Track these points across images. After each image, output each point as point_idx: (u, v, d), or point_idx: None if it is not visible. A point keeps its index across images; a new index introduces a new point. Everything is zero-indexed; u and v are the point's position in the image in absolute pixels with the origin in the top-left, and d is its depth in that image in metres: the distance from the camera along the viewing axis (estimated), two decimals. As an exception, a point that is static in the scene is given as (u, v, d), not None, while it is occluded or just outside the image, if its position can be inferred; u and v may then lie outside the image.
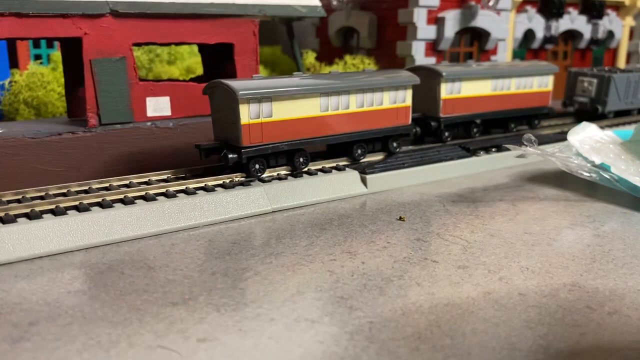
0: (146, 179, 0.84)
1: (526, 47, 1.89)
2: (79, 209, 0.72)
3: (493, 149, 1.13)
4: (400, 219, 0.80)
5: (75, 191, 0.78)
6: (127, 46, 0.96)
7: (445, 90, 1.10)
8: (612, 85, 1.48)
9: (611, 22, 2.01)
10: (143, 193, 0.77)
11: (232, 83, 0.81)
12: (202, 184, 0.82)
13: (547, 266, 0.64)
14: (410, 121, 1.03)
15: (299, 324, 0.51)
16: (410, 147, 1.09)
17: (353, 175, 0.93)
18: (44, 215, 0.69)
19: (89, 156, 0.92)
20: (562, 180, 1.01)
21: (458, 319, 0.52)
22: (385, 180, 0.95)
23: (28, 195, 0.75)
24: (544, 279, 0.61)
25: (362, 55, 1.61)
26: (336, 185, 0.90)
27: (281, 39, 1.71)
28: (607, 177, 0.89)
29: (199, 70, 1.45)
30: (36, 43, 1.51)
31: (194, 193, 0.79)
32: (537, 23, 1.83)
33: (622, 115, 1.55)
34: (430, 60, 1.54)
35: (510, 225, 0.78)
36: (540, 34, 1.85)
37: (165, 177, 0.86)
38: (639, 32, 2.16)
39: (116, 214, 0.72)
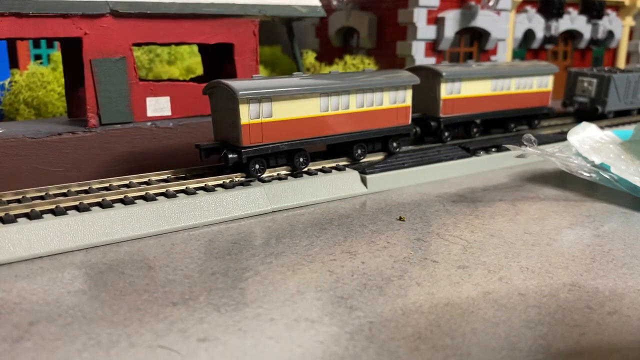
0: (146, 179, 0.84)
1: (526, 47, 1.89)
2: (79, 209, 0.72)
3: (493, 149, 1.13)
4: (400, 219, 0.80)
5: (76, 191, 0.78)
6: (127, 46, 0.96)
7: (445, 90, 1.10)
8: (612, 85, 1.48)
9: (611, 22, 2.01)
10: (143, 193, 0.77)
11: (232, 83, 0.81)
12: (202, 184, 0.82)
13: (547, 266, 0.64)
14: (410, 121, 1.03)
15: (299, 324, 0.51)
16: (410, 147, 1.09)
17: (353, 175, 0.93)
18: (44, 215, 0.69)
19: (89, 156, 0.92)
20: (562, 180, 1.01)
21: (458, 319, 0.52)
22: (385, 180, 0.95)
23: (28, 195, 0.75)
24: (544, 279, 0.61)
25: (362, 55, 1.61)
26: (336, 185, 0.90)
27: (281, 39, 1.71)
28: (607, 177, 0.89)
29: (199, 70, 1.45)
30: (36, 43, 1.51)
31: (194, 193, 0.79)
32: (537, 23, 1.83)
33: (622, 115, 1.55)
34: (430, 60, 1.54)
35: (510, 225, 0.78)
36: (540, 34, 1.85)
37: (165, 177, 0.86)
38: (638, 32, 2.16)
39: (116, 214, 0.72)
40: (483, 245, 0.71)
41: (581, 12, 1.93)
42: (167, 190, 0.79)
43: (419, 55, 1.53)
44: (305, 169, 0.91)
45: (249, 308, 0.54)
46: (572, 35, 1.99)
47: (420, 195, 0.92)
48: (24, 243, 0.65)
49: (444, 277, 0.61)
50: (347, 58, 1.57)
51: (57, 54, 1.40)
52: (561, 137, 1.19)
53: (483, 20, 1.58)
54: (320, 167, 0.94)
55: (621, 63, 2.14)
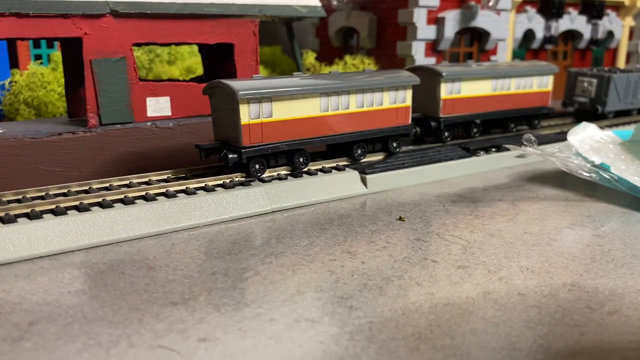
0: (146, 179, 0.84)
1: (526, 47, 1.89)
2: (79, 209, 0.72)
3: (493, 149, 1.13)
4: (400, 219, 0.80)
5: (76, 191, 0.78)
6: (127, 46, 0.96)
7: (445, 90, 1.10)
8: (611, 85, 1.48)
9: (611, 22, 2.01)
10: (143, 193, 0.77)
11: (232, 83, 0.81)
12: (202, 184, 0.82)
13: (547, 266, 0.64)
14: (410, 121, 1.03)
15: (299, 324, 0.51)
16: (410, 147, 1.09)
17: (353, 175, 0.93)
18: (44, 215, 0.69)
19: (89, 156, 0.93)
20: (562, 180, 1.01)
21: (458, 319, 0.52)
22: (385, 180, 0.95)
23: (28, 195, 0.75)
24: (543, 279, 0.61)
25: (362, 55, 1.61)
26: (336, 185, 0.90)
27: (281, 39, 1.71)
28: (607, 177, 0.89)
29: (199, 70, 1.45)
30: (36, 43, 1.51)
31: (194, 193, 0.79)
32: (537, 23, 1.83)
33: (622, 115, 1.55)
34: (430, 60, 1.54)
35: (510, 225, 0.78)
36: (540, 34, 1.85)
37: (165, 177, 0.86)
38: (638, 32, 2.16)
39: (116, 214, 0.72)
40: (483, 245, 0.71)
41: (581, 12, 1.93)
42: (167, 190, 0.79)
43: (419, 55, 1.53)
44: (305, 169, 0.91)
45: (249, 308, 0.54)
46: (572, 35, 1.99)
47: (420, 195, 0.92)
48: (24, 243, 0.65)
49: (444, 277, 0.61)
50: (347, 58, 1.57)
51: (57, 54, 1.40)
52: (561, 137, 1.19)
53: (483, 20, 1.58)
54: (320, 167, 0.94)
55: (621, 63, 2.14)
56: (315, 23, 1.84)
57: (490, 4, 1.57)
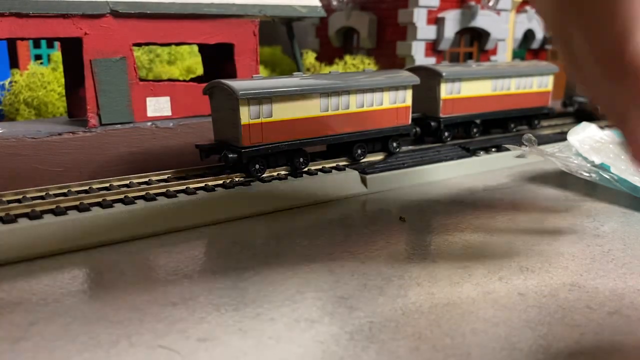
0: (146, 179, 0.84)
1: (526, 47, 1.89)
2: (79, 209, 0.72)
3: (493, 149, 1.13)
4: (401, 219, 0.80)
5: (76, 191, 0.78)
6: (127, 46, 0.96)
7: (445, 90, 1.10)
8: (612, 85, 1.47)
9: (611, 22, 2.01)
10: (143, 193, 0.77)
11: (232, 83, 0.81)
12: (202, 184, 0.82)
13: (547, 266, 0.64)
14: (410, 121, 1.03)
15: (299, 324, 0.51)
16: (410, 147, 1.09)
17: (353, 175, 0.93)
18: (44, 215, 0.69)
19: (89, 156, 0.92)
20: (562, 180, 1.01)
21: (458, 319, 0.52)
22: (385, 180, 0.95)
23: (28, 195, 0.75)
24: (543, 279, 0.61)
25: (362, 55, 1.61)
26: (336, 185, 0.90)
27: (281, 39, 1.71)
28: (607, 177, 0.89)
29: (199, 70, 1.45)
30: (36, 43, 1.51)
31: (194, 193, 0.79)
32: (537, 23, 1.83)
33: (622, 115, 1.55)
34: (430, 60, 1.54)
35: (511, 225, 0.78)
36: (540, 34, 1.85)
37: (165, 177, 0.86)
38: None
39: (116, 214, 0.72)
40: (483, 245, 0.71)
41: (581, 12, 1.93)
42: (167, 190, 0.79)
43: (419, 55, 1.53)
44: (305, 169, 0.91)
45: (249, 308, 0.54)
46: (572, 35, 1.98)
47: (420, 195, 0.92)
48: (24, 243, 0.65)
49: (444, 277, 0.61)
50: (347, 58, 1.57)
51: (57, 54, 1.40)
52: (561, 137, 1.19)
53: (483, 20, 1.58)
54: (320, 167, 0.94)
55: (621, 63, 2.13)
56: (315, 23, 1.84)
57: (490, 4, 1.57)
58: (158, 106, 1.01)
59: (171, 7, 0.98)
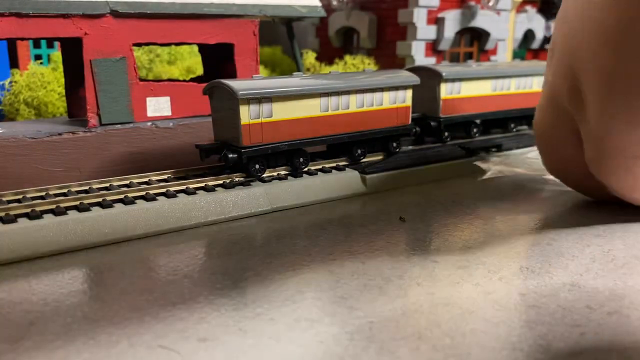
0: (146, 179, 0.84)
1: (526, 47, 1.89)
2: (79, 209, 0.72)
3: (493, 149, 1.13)
4: (401, 219, 0.80)
5: (76, 191, 0.78)
6: (127, 46, 0.96)
7: (445, 90, 1.10)
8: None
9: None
10: (143, 193, 0.77)
11: (232, 83, 0.81)
12: (202, 184, 0.82)
13: (547, 266, 0.64)
14: (410, 121, 1.03)
15: (299, 324, 0.51)
16: (410, 147, 1.09)
17: (353, 175, 0.93)
18: (44, 215, 0.69)
19: (89, 156, 0.93)
20: (562, 180, 1.01)
21: (458, 319, 0.52)
22: (385, 180, 0.95)
23: (28, 195, 0.75)
24: (543, 279, 0.61)
25: (362, 55, 1.61)
26: (336, 185, 0.90)
27: (281, 39, 1.71)
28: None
29: (199, 70, 1.45)
30: (36, 43, 1.51)
31: (194, 193, 0.79)
32: (537, 23, 1.83)
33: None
34: (430, 60, 1.54)
35: (511, 225, 0.78)
36: (540, 34, 1.85)
37: (165, 177, 0.86)
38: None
39: (116, 214, 0.72)
40: (483, 245, 0.71)
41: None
42: (167, 190, 0.79)
43: (419, 55, 1.53)
44: (305, 169, 0.91)
45: (249, 308, 0.54)
46: (572, 35, 1.98)
47: (420, 195, 0.92)
48: (24, 243, 0.65)
49: (444, 277, 0.61)
50: (347, 58, 1.57)
51: (57, 54, 1.40)
52: (561, 137, 1.19)
53: (483, 20, 1.58)
54: (320, 167, 0.94)
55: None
56: (315, 23, 1.84)
57: (490, 4, 1.57)
58: (158, 106, 1.01)
59: (171, 7, 0.98)
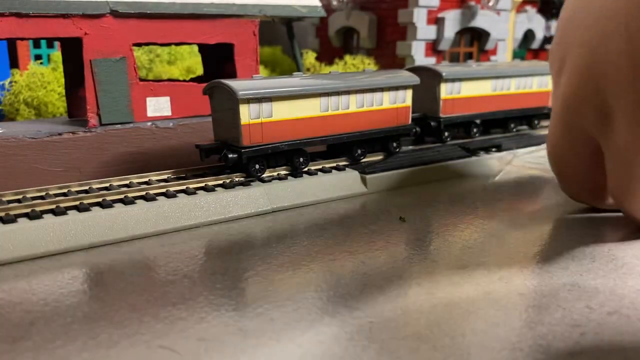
0: (146, 179, 0.84)
1: (526, 47, 1.89)
2: (79, 209, 0.72)
3: (493, 149, 1.13)
4: (401, 219, 0.80)
5: (76, 191, 0.78)
6: (127, 46, 0.96)
7: (445, 90, 1.10)
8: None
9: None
10: (143, 193, 0.77)
11: (232, 83, 0.81)
12: (202, 184, 0.82)
13: (547, 266, 0.64)
14: (410, 121, 1.03)
15: (299, 324, 0.51)
16: (410, 147, 1.09)
17: (353, 175, 0.93)
18: (44, 215, 0.69)
19: (89, 156, 0.93)
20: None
21: (458, 319, 0.52)
22: (385, 180, 0.95)
23: (28, 195, 0.75)
24: (543, 279, 0.61)
25: (362, 55, 1.61)
26: (336, 185, 0.90)
27: (281, 39, 1.71)
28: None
29: (199, 70, 1.45)
30: (36, 43, 1.51)
31: (194, 193, 0.79)
32: (537, 23, 1.83)
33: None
34: (430, 60, 1.54)
35: (511, 225, 0.78)
36: (540, 34, 1.85)
37: (165, 177, 0.86)
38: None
39: (116, 214, 0.72)
40: (483, 245, 0.71)
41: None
42: (167, 190, 0.79)
43: (419, 55, 1.53)
44: (305, 169, 0.91)
45: (249, 308, 0.54)
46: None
47: (420, 195, 0.92)
48: (24, 243, 0.65)
49: (444, 277, 0.61)
50: (347, 58, 1.57)
51: (57, 54, 1.40)
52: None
53: (483, 20, 1.58)
54: (320, 167, 0.94)
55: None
56: (315, 23, 1.84)
57: (490, 4, 1.57)
58: (158, 106, 1.01)
59: (171, 7, 0.98)
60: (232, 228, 0.76)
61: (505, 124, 1.25)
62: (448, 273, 0.62)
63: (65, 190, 0.78)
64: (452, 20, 1.52)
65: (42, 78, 1.21)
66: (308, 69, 1.59)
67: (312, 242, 0.71)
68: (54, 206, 0.71)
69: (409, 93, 1.01)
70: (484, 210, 0.84)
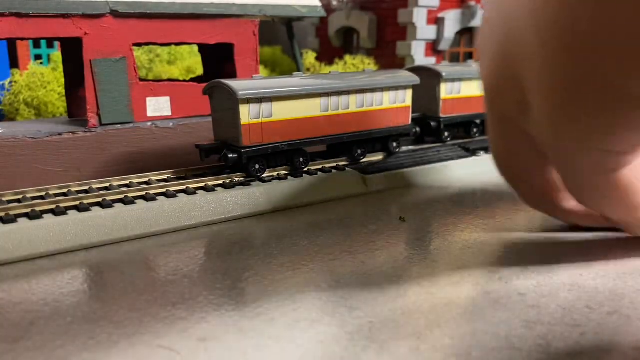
0: (146, 179, 0.84)
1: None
2: (79, 209, 0.72)
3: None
4: (401, 219, 0.80)
5: (76, 191, 0.78)
6: (127, 46, 0.96)
7: (445, 90, 1.10)
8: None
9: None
10: (143, 193, 0.77)
11: (232, 83, 0.81)
12: (202, 184, 0.82)
13: (547, 266, 0.64)
14: (410, 121, 1.03)
15: (299, 323, 0.51)
16: (410, 147, 1.09)
17: (353, 175, 0.93)
18: (44, 215, 0.69)
19: (89, 156, 0.93)
20: (562, 180, 1.01)
21: (458, 319, 0.52)
22: (385, 180, 0.95)
23: (28, 195, 0.75)
24: (543, 279, 0.61)
25: (362, 55, 1.61)
26: (336, 185, 0.90)
27: (281, 39, 1.72)
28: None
29: (199, 70, 1.45)
30: (36, 43, 1.51)
31: (194, 193, 0.79)
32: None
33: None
34: (430, 60, 1.54)
35: (511, 225, 0.78)
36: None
37: (165, 177, 0.86)
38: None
39: (116, 214, 0.72)
40: (483, 245, 0.71)
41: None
42: (167, 190, 0.79)
43: (419, 55, 1.53)
44: (305, 169, 0.91)
45: (249, 308, 0.54)
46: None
47: (421, 195, 0.92)
48: (24, 243, 0.65)
49: (444, 277, 0.61)
50: (347, 58, 1.57)
51: (57, 54, 1.40)
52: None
53: (483, 20, 1.57)
54: (320, 167, 0.94)
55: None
56: (315, 23, 1.84)
57: (490, 4, 1.57)
58: (158, 106, 1.01)
59: (171, 7, 0.98)
60: (232, 228, 0.76)
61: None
62: (448, 273, 0.62)
63: (65, 190, 0.78)
64: (452, 20, 1.52)
65: (42, 78, 1.22)
66: (308, 69, 1.59)
67: (312, 242, 0.71)
68: (54, 206, 0.71)
69: (409, 93, 1.01)
70: (484, 210, 0.84)
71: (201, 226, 0.77)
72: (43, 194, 0.76)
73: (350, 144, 0.97)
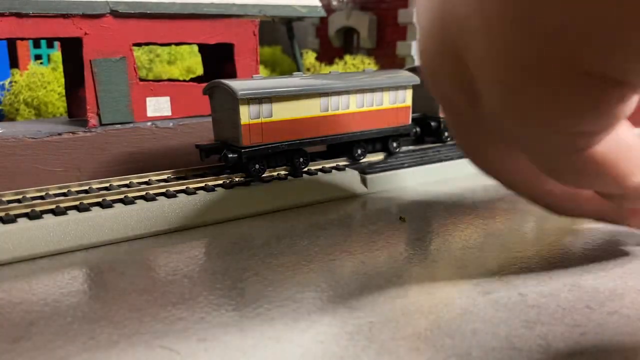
0: (146, 179, 0.84)
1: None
2: (79, 209, 0.72)
3: (493, 149, 1.13)
4: (401, 219, 0.80)
5: (76, 191, 0.78)
6: (127, 46, 0.96)
7: (445, 90, 1.10)
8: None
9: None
10: (143, 193, 0.77)
11: (232, 83, 0.81)
12: (202, 184, 0.82)
13: (547, 266, 0.64)
14: (410, 121, 1.03)
15: (299, 324, 0.51)
16: (410, 147, 1.09)
17: (353, 175, 0.93)
18: (44, 215, 0.69)
19: (89, 156, 0.93)
20: (562, 180, 1.01)
21: (458, 319, 0.52)
22: (385, 180, 0.95)
23: (28, 195, 0.75)
24: (543, 279, 0.61)
25: (362, 55, 1.61)
26: (336, 185, 0.90)
27: (281, 39, 1.72)
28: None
29: (199, 70, 1.45)
30: (36, 43, 1.51)
31: (194, 193, 0.79)
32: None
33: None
34: (430, 60, 1.54)
35: (511, 225, 0.78)
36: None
37: (165, 177, 0.86)
38: None
39: (116, 214, 0.72)
40: (483, 245, 0.71)
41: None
42: (167, 190, 0.79)
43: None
44: (305, 169, 0.91)
45: (249, 308, 0.54)
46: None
47: (421, 195, 0.92)
48: (24, 243, 0.65)
49: (444, 277, 0.61)
50: (347, 58, 1.57)
51: (57, 54, 1.40)
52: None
53: (483, 20, 1.57)
54: (320, 167, 0.94)
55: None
56: (315, 23, 1.84)
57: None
58: (158, 106, 1.01)
59: (171, 7, 0.98)
60: (232, 228, 0.76)
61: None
62: (448, 273, 0.62)
63: (65, 190, 0.78)
64: (452, 20, 1.52)
65: (42, 78, 1.22)
66: (308, 69, 1.59)
67: (312, 242, 0.71)
68: (54, 206, 0.71)
69: (409, 93, 1.01)
70: (484, 210, 0.84)
71: (201, 226, 0.77)
72: (43, 194, 0.76)
73: (350, 144, 0.97)
